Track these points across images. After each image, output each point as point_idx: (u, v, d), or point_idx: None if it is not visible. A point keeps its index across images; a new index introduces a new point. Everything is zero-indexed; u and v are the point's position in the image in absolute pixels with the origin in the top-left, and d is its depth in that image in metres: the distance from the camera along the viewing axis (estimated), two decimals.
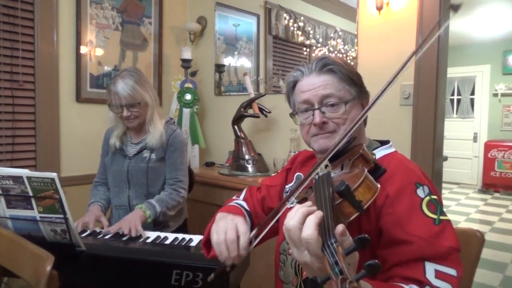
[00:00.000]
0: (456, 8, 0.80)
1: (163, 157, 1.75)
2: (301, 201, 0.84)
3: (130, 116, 1.67)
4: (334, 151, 0.82)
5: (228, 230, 0.89)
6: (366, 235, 0.53)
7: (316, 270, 0.64)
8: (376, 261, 0.51)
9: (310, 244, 0.61)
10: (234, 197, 1.20)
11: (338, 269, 0.53)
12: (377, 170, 0.79)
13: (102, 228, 1.61)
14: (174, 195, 1.72)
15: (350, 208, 0.68)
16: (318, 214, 0.65)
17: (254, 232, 0.89)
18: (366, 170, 0.73)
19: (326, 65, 0.94)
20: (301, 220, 0.65)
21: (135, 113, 1.67)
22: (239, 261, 0.88)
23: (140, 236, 1.48)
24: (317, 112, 0.93)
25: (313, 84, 0.94)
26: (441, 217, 0.80)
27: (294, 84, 1.00)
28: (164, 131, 1.75)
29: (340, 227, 0.61)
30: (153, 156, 1.73)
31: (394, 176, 0.83)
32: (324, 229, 0.62)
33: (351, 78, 0.95)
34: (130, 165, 1.73)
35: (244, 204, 1.14)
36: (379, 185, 0.72)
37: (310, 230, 0.62)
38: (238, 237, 0.88)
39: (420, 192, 0.82)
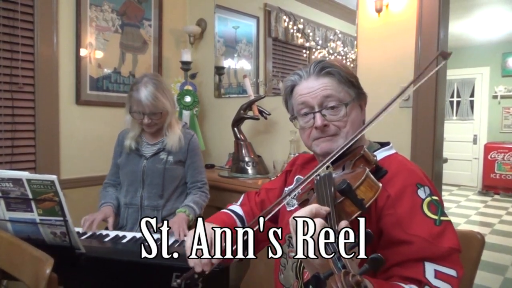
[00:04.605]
0: (445, 55, 0.85)
1: (180, 160, 1.78)
2: (303, 203, 0.84)
3: (150, 123, 1.69)
4: (336, 156, 0.82)
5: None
6: (380, 255, 0.53)
7: (318, 267, 0.64)
8: (379, 254, 0.51)
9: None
10: (233, 203, 1.21)
11: (340, 264, 0.53)
12: (378, 171, 0.79)
13: (107, 228, 1.62)
14: (204, 197, 1.81)
15: (352, 206, 0.68)
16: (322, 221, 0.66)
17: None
18: (367, 169, 0.73)
19: (324, 68, 0.94)
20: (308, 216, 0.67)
21: (155, 121, 1.70)
22: (209, 269, 0.88)
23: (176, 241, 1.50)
24: (318, 115, 0.93)
25: (312, 87, 0.94)
26: (442, 218, 0.80)
27: (292, 89, 0.99)
28: (183, 136, 1.78)
29: (343, 223, 0.61)
30: (171, 158, 1.75)
31: (395, 177, 0.83)
32: None
33: (350, 80, 0.95)
34: (146, 166, 1.74)
35: (238, 209, 1.14)
36: (380, 184, 0.72)
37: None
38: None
39: (421, 193, 0.82)
